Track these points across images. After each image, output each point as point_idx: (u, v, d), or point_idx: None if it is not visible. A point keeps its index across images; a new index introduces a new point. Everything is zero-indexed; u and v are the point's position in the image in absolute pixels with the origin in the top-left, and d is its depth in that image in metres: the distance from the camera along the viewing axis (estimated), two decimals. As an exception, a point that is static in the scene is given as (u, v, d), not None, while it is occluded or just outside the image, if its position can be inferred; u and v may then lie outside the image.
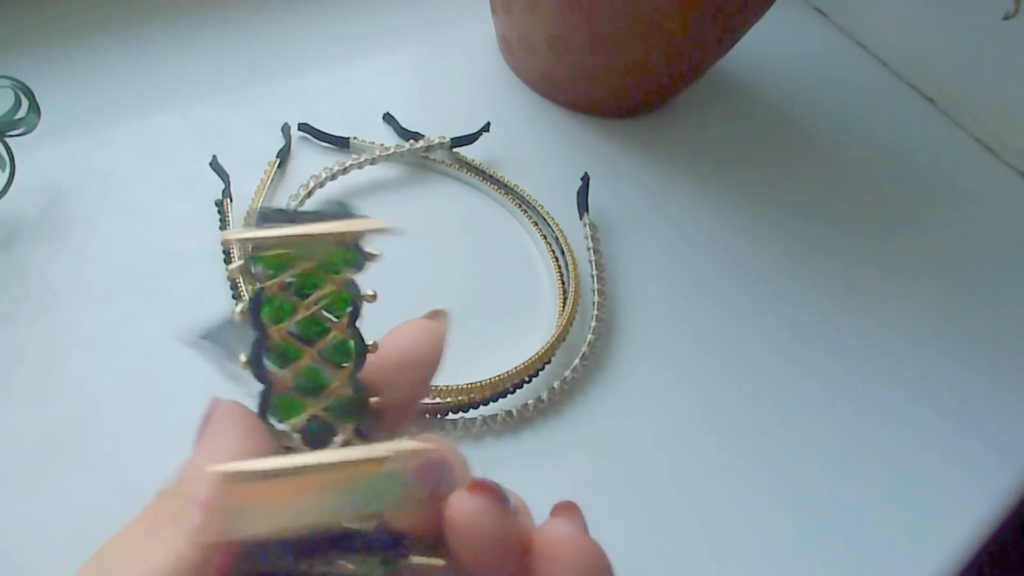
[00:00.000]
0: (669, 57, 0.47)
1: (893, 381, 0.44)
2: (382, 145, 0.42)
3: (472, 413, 0.35)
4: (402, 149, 0.42)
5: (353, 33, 0.50)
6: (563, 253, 0.41)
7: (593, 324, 0.39)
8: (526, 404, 0.36)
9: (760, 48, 0.59)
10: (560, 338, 0.37)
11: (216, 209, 0.38)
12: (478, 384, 0.35)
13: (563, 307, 0.39)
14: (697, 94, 0.55)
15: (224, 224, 0.37)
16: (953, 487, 0.41)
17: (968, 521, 0.40)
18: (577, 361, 0.38)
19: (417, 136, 0.44)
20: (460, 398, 0.35)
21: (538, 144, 0.48)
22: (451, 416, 0.35)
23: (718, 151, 0.53)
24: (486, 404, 0.35)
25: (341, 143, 0.43)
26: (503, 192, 0.43)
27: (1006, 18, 0.59)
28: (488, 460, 0.35)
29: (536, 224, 0.42)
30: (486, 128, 0.45)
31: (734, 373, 0.41)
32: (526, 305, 0.40)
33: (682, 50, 0.47)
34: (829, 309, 0.46)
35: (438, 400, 0.34)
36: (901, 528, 0.38)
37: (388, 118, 0.45)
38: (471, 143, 0.44)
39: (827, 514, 0.38)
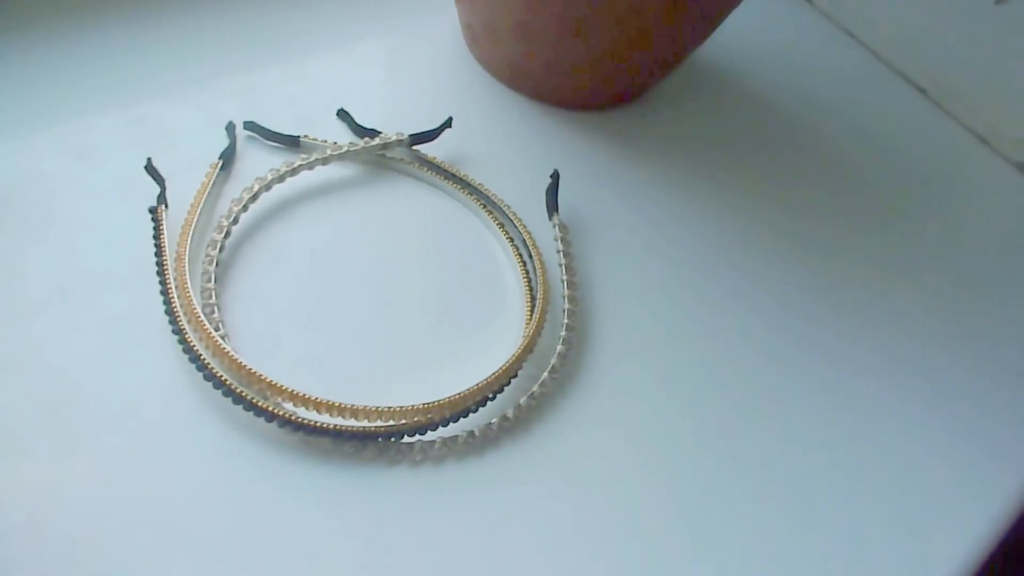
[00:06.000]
0: (643, 45, 0.44)
1: (887, 382, 0.41)
2: (335, 143, 0.39)
3: (430, 435, 0.32)
4: (356, 147, 0.39)
5: (307, 26, 0.47)
6: (531, 257, 0.38)
7: (563, 333, 0.36)
8: (490, 423, 0.33)
9: (742, 36, 0.56)
10: (527, 349, 0.34)
11: (150, 216, 0.35)
12: (436, 403, 0.32)
13: (530, 316, 0.36)
14: (676, 85, 0.52)
15: (158, 233, 0.34)
16: (953, 490, 0.38)
17: (971, 528, 0.38)
18: (546, 374, 0.35)
19: (373, 133, 0.41)
20: (416, 419, 0.32)
21: (506, 139, 0.45)
22: (407, 439, 0.32)
23: (699, 144, 0.50)
24: (445, 425, 0.32)
25: (290, 142, 0.40)
26: (466, 192, 0.40)
27: (998, 2, 0.56)
28: (451, 485, 0.32)
29: (502, 226, 0.39)
30: (448, 123, 0.42)
31: (718, 378, 0.39)
32: (491, 314, 0.37)
33: (657, 37, 0.44)
34: (819, 308, 0.43)
35: (392, 422, 0.31)
36: (901, 536, 0.36)
37: (342, 115, 0.42)
38: (432, 140, 0.41)
39: (824, 523, 0.35)
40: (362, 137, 0.41)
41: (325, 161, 0.38)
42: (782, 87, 0.57)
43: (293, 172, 0.37)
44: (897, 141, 0.57)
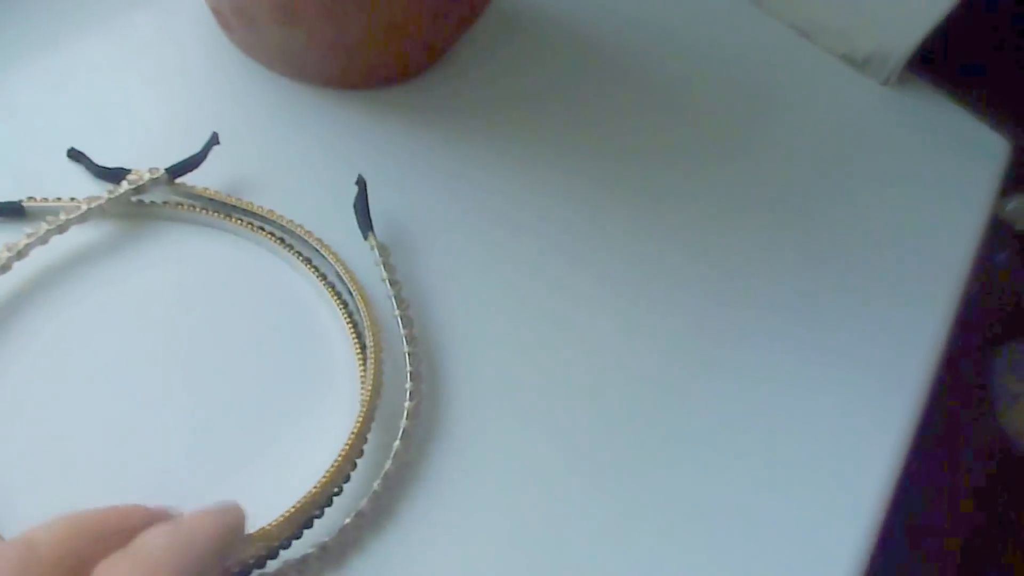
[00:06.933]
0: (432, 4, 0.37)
1: (761, 334, 0.38)
2: (71, 200, 0.31)
3: (272, 565, 0.26)
4: (99, 201, 0.31)
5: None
6: (351, 294, 0.31)
7: (409, 385, 0.30)
8: (343, 525, 0.27)
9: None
10: (366, 419, 0.28)
11: None
12: (270, 526, 0.25)
13: (363, 370, 0.30)
14: (484, 36, 0.44)
15: None
16: (852, 424, 0.37)
17: (879, 455, 0.36)
18: (398, 442, 0.29)
19: (121, 173, 0.32)
20: (249, 552, 0.25)
21: (295, 143, 0.37)
22: (247, 578, 0.25)
23: (519, 101, 0.43)
24: (288, 546, 0.26)
25: (13, 211, 0.31)
26: (254, 227, 0.33)
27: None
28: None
29: (309, 262, 0.32)
30: (213, 141, 0.33)
31: (587, 374, 0.34)
32: (315, 378, 0.30)
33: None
34: (678, 262, 0.39)
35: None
36: (814, 491, 0.34)
37: (75, 155, 0.33)
38: (197, 166, 0.33)
39: (735, 509, 0.32)
40: (109, 181, 0.32)
41: (61, 229, 0.30)
42: (594, 14, 0.50)
43: (20, 255, 0.29)
44: (721, 51, 0.52)
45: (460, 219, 0.37)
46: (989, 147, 0.54)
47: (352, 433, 0.28)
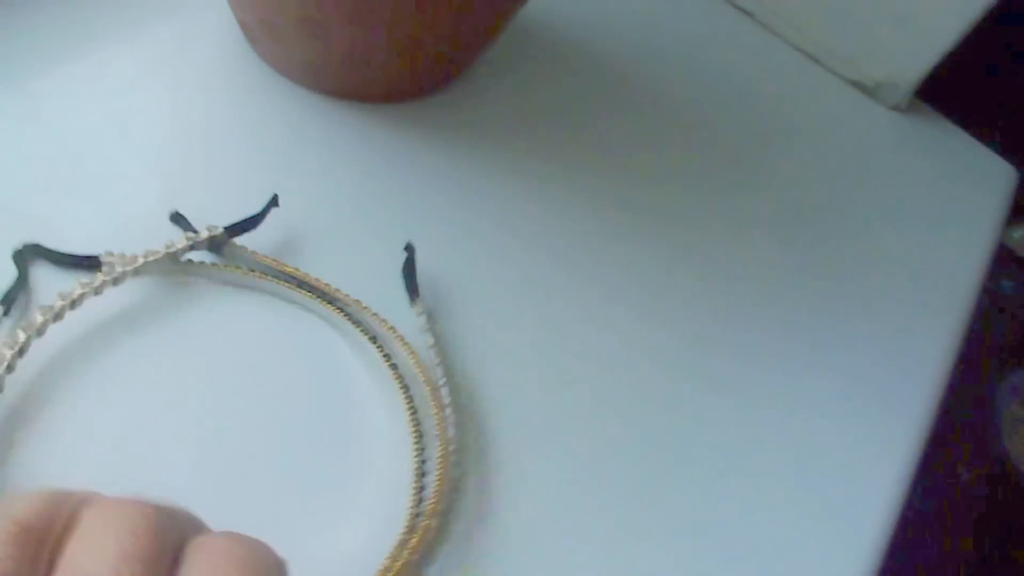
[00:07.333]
0: (455, 17, 0.37)
1: (771, 357, 0.39)
2: (131, 257, 0.30)
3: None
4: (156, 255, 0.30)
5: (23, 42, 0.35)
6: (417, 385, 0.31)
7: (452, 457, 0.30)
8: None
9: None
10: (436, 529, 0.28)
11: None
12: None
13: (418, 454, 0.30)
14: (503, 53, 0.45)
15: None
16: (857, 448, 0.38)
17: (884, 478, 0.37)
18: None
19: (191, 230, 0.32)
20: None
21: (315, 153, 0.38)
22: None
23: (534, 121, 0.44)
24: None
25: (90, 264, 0.30)
26: (302, 290, 0.32)
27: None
28: None
29: (374, 340, 0.32)
30: (273, 202, 0.33)
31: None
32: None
33: (469, 7, 0.37)
34: (700, 288, 0.40)
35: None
36: (818, 515, 0.35)
37: (176, 218, 0.32)
38: (255, 227, 0.33)
39: (744, 531, 0.33)
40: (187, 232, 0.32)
41: (116, 281, 0.29)
42: (608, 35, 0.51)
43: (74, 305, 0.28)
44: (731, 74, 0.53)
45: (474, 233, 0.38)
46: (997, 174, 0.55)
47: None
